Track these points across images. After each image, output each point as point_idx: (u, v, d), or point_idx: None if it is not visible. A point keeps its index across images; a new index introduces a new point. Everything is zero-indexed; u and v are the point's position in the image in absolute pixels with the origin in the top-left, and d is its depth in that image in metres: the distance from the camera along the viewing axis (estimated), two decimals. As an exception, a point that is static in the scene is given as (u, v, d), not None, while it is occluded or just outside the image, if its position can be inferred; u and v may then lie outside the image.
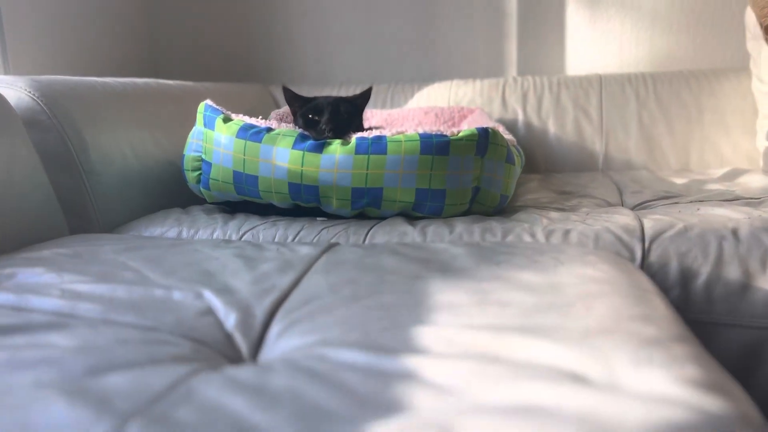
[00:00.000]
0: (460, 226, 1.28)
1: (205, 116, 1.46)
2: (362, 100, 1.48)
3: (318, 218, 1.39)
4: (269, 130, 1.38)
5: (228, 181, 1.41)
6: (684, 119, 2.14)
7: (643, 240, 1.18)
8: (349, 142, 1.36)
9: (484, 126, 1.40)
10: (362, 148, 1.32)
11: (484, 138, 1.37)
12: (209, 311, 0.85)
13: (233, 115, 1.44)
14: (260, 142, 1.36)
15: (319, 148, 1.34)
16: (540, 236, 1.22)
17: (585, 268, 0.90)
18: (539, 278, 0.86)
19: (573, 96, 2.24)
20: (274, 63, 2.69)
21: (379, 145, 1.33)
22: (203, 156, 1.46)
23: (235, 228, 1.37)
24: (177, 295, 0.89)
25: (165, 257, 1.07)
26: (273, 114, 2.15)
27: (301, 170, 1.33)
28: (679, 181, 1.85)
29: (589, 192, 1.79)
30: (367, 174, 1.32)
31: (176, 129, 1.77)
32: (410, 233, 1.27)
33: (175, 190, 1.62)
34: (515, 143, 1.67)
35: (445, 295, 0.82)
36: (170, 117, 1.81)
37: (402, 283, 0.89)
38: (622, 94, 2.20)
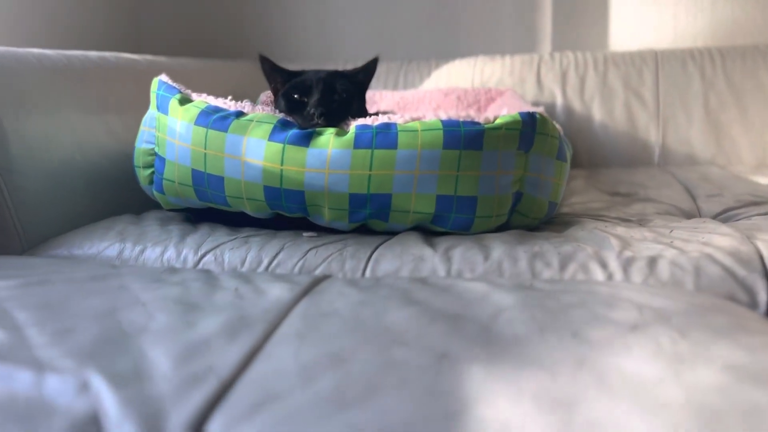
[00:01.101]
0: (499, 248, 0.93)
1: (158, 96, 1.11)
2: (365, 74, 1.12)
3: (305, 233, 1.03)
4: (239, 114, 1.03)
5: (186, 182, 1.06)
6: (761, 103, 1.76)
7: (767, 275, 0.82)
8: (346, 132, 1.00)
9: (524, 111, 1.04)
10: (364, 140, 0.97)
11: (530, 126, 1.01)
12: (91, 421, 0.50)
13: (194, 95, 1.09)
14: (226, 131, 1.00)
15: (306, 139, 0.98)
16: (614, 267, 0.86)
17: (726, 345, 0.54)
18: (656, 369, 0.50)
19: (623, 75, 1.87)
20: (270, 36, 2.33)
21: (386, 136, 0.97)
22: (156, 149, 1.11)
23: (194, 246, 1.02)
24: (52, 383, 0.55)
25: (71, 301, 0.73)
26: (262, 96, 1.80)
27: (281, 170, 0.98)
28: (764, 180, 1.48)
29: (650, 195, 1.43)
30: (370, 176, 0.97)
31: (139, 114, 1.42)
32: (429, 259, 0.92)
33: (130, 192, 1.28)
34: (562, 133, 1.31)
35: (494, 405, 0.47)
36: (132, 99, 1.46)
37: (420, 371, 0.53)
38: (683, 72, 1.83)
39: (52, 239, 1.12)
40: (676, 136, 1.80)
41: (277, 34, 2.33)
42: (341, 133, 1.00)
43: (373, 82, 2.03)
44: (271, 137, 0.99)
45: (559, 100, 1.88)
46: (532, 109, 1.05)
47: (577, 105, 1.87)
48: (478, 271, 0.89)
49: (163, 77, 1.13)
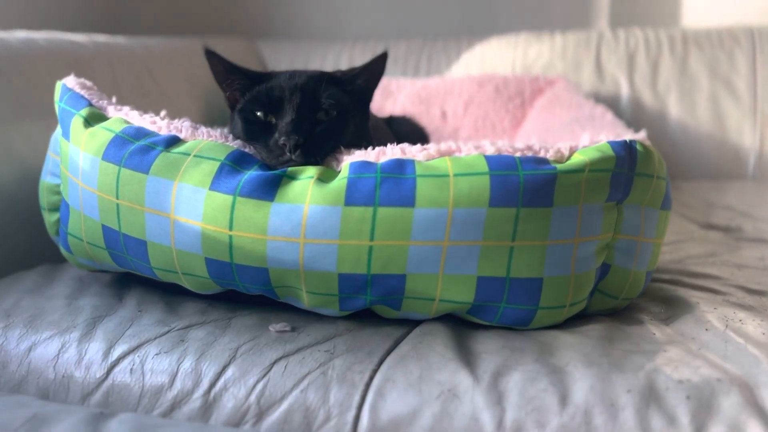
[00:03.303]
0: (581, 377, 0.56)
1: (59, 110, 0.75)
2: (368, 78, 0.73)
3: (272, 326, 0.67)
4: (171, 143, 0.66)
5: (96, 243, 0.71)
6: None
7: None
8: (335, 172, 0.64)
9: (619, 137, 0.66)
10: (362, 190, 0.60)
11: (628, 164, 0.64)
12: None
13: (112, 110, 0.73)
14: (147, 171, 0.64)
15: (269, 187, 0.62)
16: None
17: None
18: None
19: (708, 60, 1.47)
20: (265, 9, 1.94)
21: (398, 184, 0.60)
22: (61, 189, 0.75)
23: (105, 342, 0.67)
24: None
25: None
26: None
27: (230, 236, 0.61)
28: None
29: (761, 228, 1.05)
30: (370, 248, 0.60)
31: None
32: (466, 395, 0.56)
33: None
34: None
35: None
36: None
37: None
38: (789, 56, 1.41)
39: None
40: (779, 139, 1.40)
41: (274, 6, 1.94)
42: (326, 175, 0.63)
43: (390, 65, 1.64)
44: (216, 184, 0.62)
45: (624, 92, 1.48)
46: (627, 135, 0.67)
47: (647, 98, 1.47)
48: (550, 427, 0.53)
49: (70, 80, 0.76)
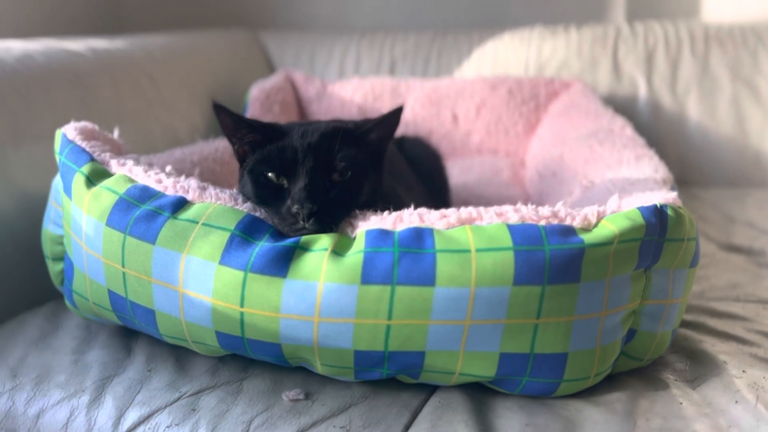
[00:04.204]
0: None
1: (60, 164, 0.71)
2: (382, 131, 0.68)
3: (286, 394, 0.65)
4: (178, 207, 0.63)
5: (103, 304, 0.68)
6: None
7: None
8: (348, 241, 0.61)
9: (651, 202, 0.63)
10: (378, 268, 0.57)
11: (659, 231, 0.61)
12: None
13: (116, 164, 0.69)
14: (153, 241, 0.61)
15: (282, 262, 0.59)
16: None
17: None
18: None
19: (731, 59, 1.41)
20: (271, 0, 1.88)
21: (416, 262, 0.57)
22: (65, 243, 0.73)
23: (116, 409, 0.65)
24: None
25: None
26: (254, 90, 1.39)
27: (241, 312, 0.59)
28: None
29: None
30: (389, 327, 0.57)
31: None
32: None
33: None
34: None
35: None
36: (68, 118, 1.07)
37: None
38: (817, 56, 1.36)
39: None
40: (803, 145, 1.36)
41: (279, -5, 1.88)
42: (341, 245, 0.60)
43: (398, 62, 1.60)
44: (226, 258, 0.59)
45: (642, 92, 1.43)
46: (661, 197, 0.64)
47: (666, 100, 1.42)
48: None
49: (69, 129, 0.73)
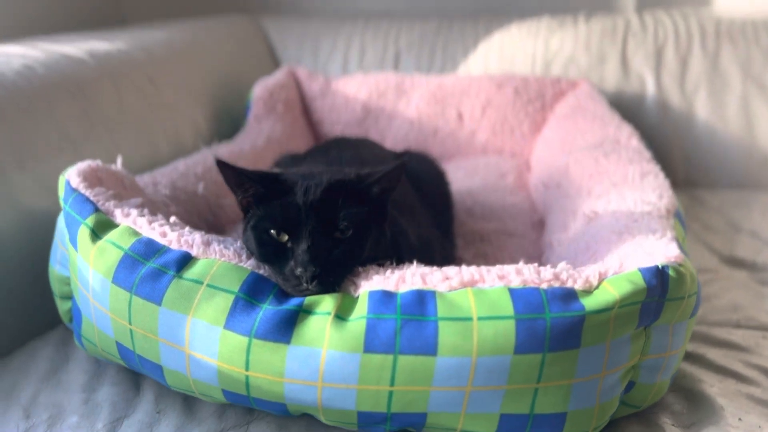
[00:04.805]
0: None
1: (65, 214, 0.72)
2: (385, 185, 0.67)
3: (294, 441, 0.67)
4: (182, 264, 0.64)
5: (111, 352, 0.70)
6: None
7: None
8: (351, 301, 0.62)
9: (653, 262, 0.63)
10: (381, 337, 0.58)
11: (659, 293, 0.61)
12: None
13: (120, 214, 0.69)
14: (159, 303, 0.62)
15: (286, 327, 0.60)
16: None
17: None
18: None
19: (742, 57, 1.38)
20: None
21: (419, 331, 0.58)
22: (72, 288, 0.73)
23: (127, 456, 0.67)
24: None
25: None
26: (257, 89, 1.38)
27: (246, 375, 0.60)
28: None
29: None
30: (391, 392, 0.59)
31: (79, 156, 1.03)
32: None
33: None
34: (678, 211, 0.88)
35: None
36: (72, 135, 1.06)
37: None
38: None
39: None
40: (812, 147, 1.34)
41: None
42: (344, 307, 0.61)
43: (403, 53, 1.57)
44: (230, 322, 0.60)
45: (650, 90, 1.41)
46: (663, 255, 0.64)
47: (675, 98, 1.40)
48: None
49: (72, 176, 0.72)
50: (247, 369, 0.60)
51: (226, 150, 1.22)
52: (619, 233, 0.76)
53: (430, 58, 1.56)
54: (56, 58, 1.15)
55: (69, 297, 0.76)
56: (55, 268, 0.77)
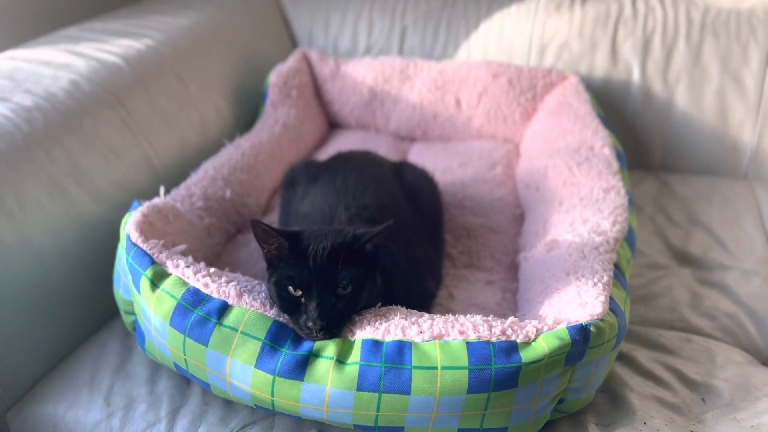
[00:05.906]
0: None
1: (129, 266, 0.91)
2: (376, 243, 0.86)
3: (307, 434, 0.90)
4: (222, 312, 0.84)
5: (168, 364, 0.92)
6: None
7: None
8: (349, 346, 0.82)
9: (578, 322, 0.82)
10: (370, 379, 0.79)
11: (582, 344, 0.81)
12: None
13: (171, 265, 0.89)
14: (206, 344, 0.83)
15: (300, 369, 0.81)
16: None
17: None
18: None
19: (722, 51, 1.48)
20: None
21: (398, 376, 0.79)
22: (135, 313, 0.95)
23: (185, 440, 0.91)
24: None
25: None
26: (272, 77, 1.52)
27: (272, 400, 0.82)
28: None
29: (728, 266, 1.20)
30: (377, 416, 0.81)
31: (120, 169, 1.21)
32: None
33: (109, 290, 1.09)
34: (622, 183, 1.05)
35: None
36: (117, 139, 1.23)
37: None
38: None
39: (35, 393, 1.01)
40: (778, 139, 1.47)
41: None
42: (344, 352, 0.82)
43: (409, 29, 1.68)
44: (259, 363, 0.81)
45: (635, 78, 1.52)
46: (588, 313, 0.83)
47: (658, 87, 1.51)
48: None
49: (131, 229, 0.91)
50: (272, 395, 0.81)
51: (248, 144, 1.38)
52: (567, 273, 0.94)
53: (434, 35, 1.66)
54: (95, 68, 1.28)
55: (132, 313, 0.98)
56: (120, 291, 0.98)
